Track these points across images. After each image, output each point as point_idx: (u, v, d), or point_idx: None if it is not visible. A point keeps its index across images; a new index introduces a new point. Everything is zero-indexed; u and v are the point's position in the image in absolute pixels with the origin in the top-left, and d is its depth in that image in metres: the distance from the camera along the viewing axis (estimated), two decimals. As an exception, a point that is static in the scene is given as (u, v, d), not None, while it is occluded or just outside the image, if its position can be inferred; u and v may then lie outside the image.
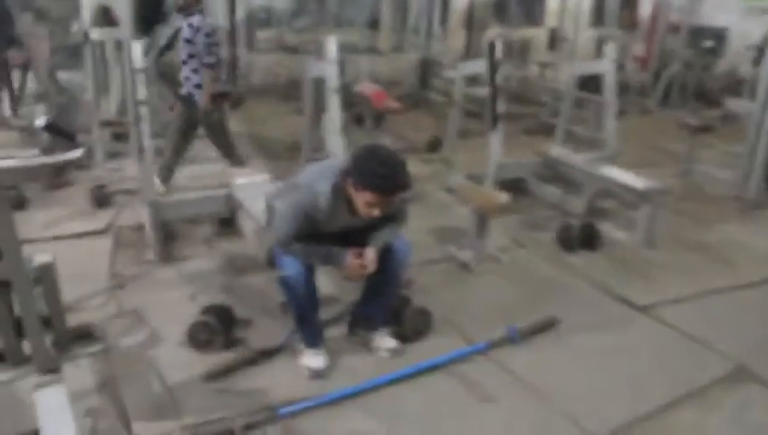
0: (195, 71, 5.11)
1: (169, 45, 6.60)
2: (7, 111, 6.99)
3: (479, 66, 5.45)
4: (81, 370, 2.84)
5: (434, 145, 6.95)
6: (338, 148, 4.44)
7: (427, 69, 10.01)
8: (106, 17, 6.40)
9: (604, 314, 3.73)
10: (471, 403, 2.90)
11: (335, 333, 3.32)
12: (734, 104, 7.15)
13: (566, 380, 3.08)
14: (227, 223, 4.55)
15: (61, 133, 2.45)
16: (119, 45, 6.02)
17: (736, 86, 9.72)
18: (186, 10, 5.15)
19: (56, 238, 4.32)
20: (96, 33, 5.89)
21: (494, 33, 10.00)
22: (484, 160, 5.17)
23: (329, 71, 4.63)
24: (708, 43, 10.64)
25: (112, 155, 5.89)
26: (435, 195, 5.67)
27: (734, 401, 3.00)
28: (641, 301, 3.82)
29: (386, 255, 2.94)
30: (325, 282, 3.44)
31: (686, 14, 10.25)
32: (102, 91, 6.39)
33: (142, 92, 4.14)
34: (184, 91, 5.19)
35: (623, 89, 10.06)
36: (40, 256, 2.48)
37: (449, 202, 5.40)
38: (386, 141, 7.38)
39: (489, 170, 5.15)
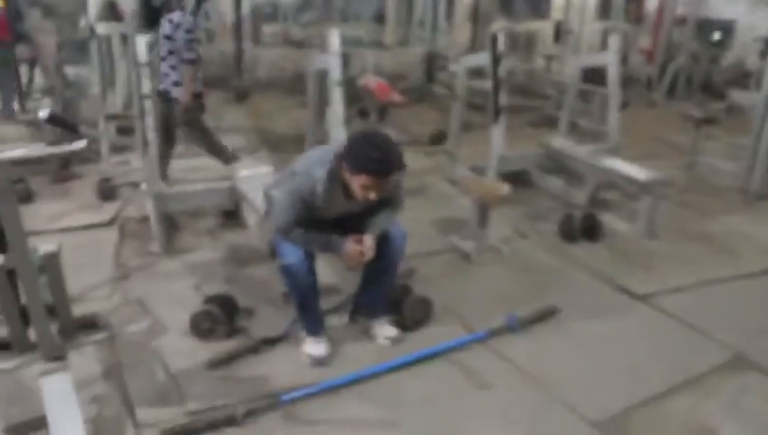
0: (173, 67, 5.07)
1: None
2: (15, 106, 7.08)
3: (482, 59, 5.46)
4: (86, 357, 2.90)
5: (438, 138, 6.96)
6: (342, 140, 4.46)
7: (432, 62, 10.02)
8: (112, 12, 6.45)
9: (604, 303, 3.75)
10: (470, 391, 2.93)
11: (336, 321, 3.36)
12: (738, 96, 7.14)
13: (565, 368, 3.11)
14: (231, 215, 4.59)
15: (63, 125, 2.49)
16: (124, 40, 6.06)
17: (743, 78, 9.69)
18: (167, 7, 5.18)
19: (62, 230, 4.37)
20: (102, 28, 5.94)
21: (499, 26, 9.99)
22: (488, 152, 5.20)
23: (332, 64, 4.66)
24: (715, 36, 10.60)
25: (118, 148, 5.94)
26: (438, 187, 5.70)
27: (732, 388, 3.02)
28: (641, 290, 3.84)
29: (382, 243, 2.98)
30: (326, 271, 3.48)
31: (693, 6, 10.20)
32: (109, 86, 6.44)
33: (147, 86, 4.19)
34: (161, 86, 5.13)
35: (629, 81, 10.06)
36: (45, 246, 2.53)
37: (452, 194, 5.43)
38: (390, 134, 7.42)
39: (491, 162, 5.17)
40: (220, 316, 3.19)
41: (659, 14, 10.56)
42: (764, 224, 5.06)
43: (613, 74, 5.50)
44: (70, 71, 6.79)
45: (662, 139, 7.56)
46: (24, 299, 2.48)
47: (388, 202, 3.00)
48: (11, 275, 2.46)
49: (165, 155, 5.19)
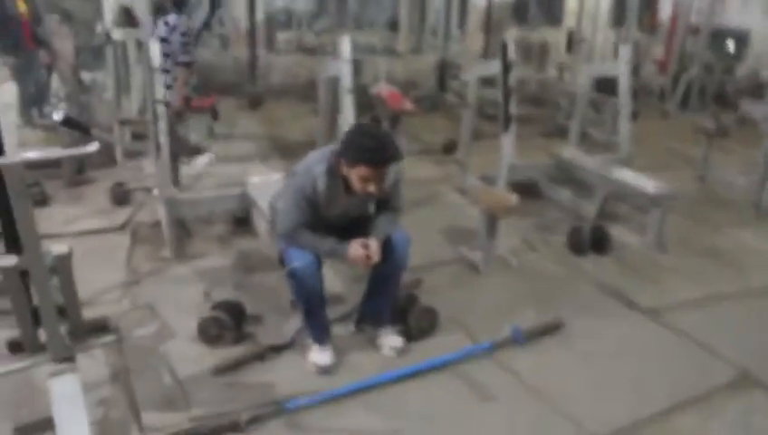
0: (167, 70, 5.17)
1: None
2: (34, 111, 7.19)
3: (493, 67, 5.48)
4: (94, 360, 2.94)
5: (449, 147, 6.98)
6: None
7: (444, 71, 10.05)
8: (128, 18, 6.53)
9: (610, 317, 3.75)
10: (474, 402, 2.94)
11: (342, 330, 3.38)
12: (749, 107, 7.09)
13: (569, 381, 3.11)
14: (243, 222, 4.64)
15: (77, 127, 2.55)
16: (139, 45, 6.14)
17: (758, 89, 9.62)
18: (162, 11, 5.26)
19: (76, 234, 4.43)
20: (117, 34, 6.02)
21: (512, 35, 10.00)
22: (498, 162, 5.21)
23: (343, 70, 4.70)
24: (729, 46, 10.54)
25: (132, 153, 6.01)
26: (448, 196, 5.72)
27: (738, 406, 3.01)
28: (648, 304, 3.84)
29: (386, 249, 3.00)
30: (333, 281, 3.51)
31: (707, 16, 10.15)
32: (124, 91, 6.53)
33: (160, 92, 4.24)
34: None
35: (642, 92, 10.03)
36: (57, 247, 2.57)
37: (462, 203, 5.44)
38: (401, 142, 7.46)
39: (501, 172, 5.18)
40: (228, 322, 3.23)
41: (673, 23, 10.51)
42: (775, 239, 5.04)
43: (624, 84, 5.49)
44: (86, 76, 6.88)
45: (674, 150, 7.53)
46: (35, 300, 2.52)
47: (388, 204, 3.08)
48: (24, 276, 2.51)
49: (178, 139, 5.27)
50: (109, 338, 2.91)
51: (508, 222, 4.54)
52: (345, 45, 4.72)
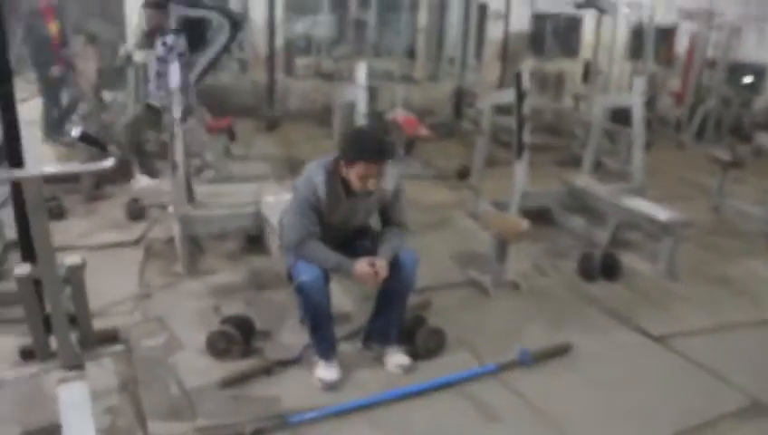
0: (161, 89, 5.36)
1: (208, 69, 6.90)
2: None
3: (507, 96, 5.54)
4: (103, 369, 2.98)
5: (463, 173, 7.02)
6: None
7: (460, 99, 10.14)
8: (149, 41, 6.69)
9: (619, 343, 3.73)
10: (479, 423, 2.93)
11: (349, 347, 3.40)
12: (764, 139, 7.09)
13: (575, 405, 3.09)
14: (255, 240, 4.69)
15: (93, 143, 2.63)
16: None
17: (775, 123, 9.62)
18: (151, 37, 5.43)
19: (91, 247, 4.50)
20: (138, 56, 6.18)
21: (528, 65, 10.09)
22: (511, 189, 5.24)
23: (359, 96, 4.78)
24: (747, 79, 10.56)
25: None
26: (461, 221, 5.74)
27: (747, 434, 2.97)
28: (658, 331, 3.81)
29: (394, 268, 3.04)
30: (341, 300, 3.54)
31: (724, 50, 10.19)
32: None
33: (177, 112, 4.34)
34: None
35: (658, 123, 10.04)
36: (70, 258, 2.63)
37: (474, 228, 5.45)
38: (416, 168, 7.52)
39: (514, 198, 5.20)
40: (236, 337, 3.26)
41: (689, 56, 10.56)
42: (789, 270, 4.99)
43: (638, 115, 5.52)
44: (107, 95, 7.05)
45: (689, 181, 7.51)
46: (47, 309, 2.58)
47: (392, 218, 3.18)
48: (37, 285, 2.57)
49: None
50: (118, 348, 2.97)
51: (519, 247, 4.56)
52: (361, 72, 4.81)
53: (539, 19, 12.66)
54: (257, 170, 6.79)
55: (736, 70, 10.64)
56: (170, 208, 4.69)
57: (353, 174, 2.95)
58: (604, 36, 9.91)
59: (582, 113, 9.54)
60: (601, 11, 9.15)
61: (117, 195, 5.63)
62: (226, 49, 7.60)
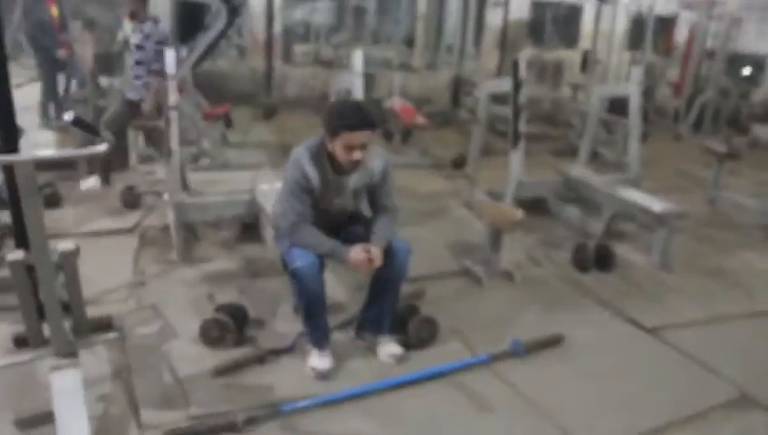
0: (138, 77, 5.39)
1: (205, 55, 6.86)
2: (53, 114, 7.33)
3: (504, 85, 5.53)
4: (96, 357, 2.99)
5: (459, 162, 7.01)
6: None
7: (458, 87, 10.11)
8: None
9: (611, 334, 3.74)
10: (469, 413, 2.95)
11: (342, 337, 3.41)
12: (760, 130, 7.09)
13: (566, 395, 3.10)
14: (250, 228, 4.69)
15: (86, 128, 2.62)
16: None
17: (773, 114, 9.61)
18: (136, 17, 5.40)
19: (86, 234, 4.50)
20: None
21: (526, 53, 10.06)
22: (507, 178, 5.23)
23: (355, 83, 4.76)
24: (745, 71, 10.54)
25: (145, 158, 6.10)
26: (456, 210, 5.74)
27: (736, 426, 2.99)
28: (650, 323, 3.82)
29: (386, 256, 3.04)
30: (335, 289, 3.54)
31: (723, 40, 10.16)
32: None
33: (173, 98, 4.32)
34: (128, 95, 5.55)
35: (656, 114, 10.03)
36: (63, 244, 2.63)
37: (469, 218, 5.46)
38: (412, 156, 7.51)
39: (509, 188, 5.20)
40: (229, 325, 3.27)
41: (688, 47, 10.53)
42: (783, 262, 5.01)
43: (634, 105, 5.51)
44: (104, 81, 7.02)
45: (685, 172, 7.52)
46: (41, 295, 2.58)
47: (381, 202, 3.20)
48: (30, 271, 2.57)
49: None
50: (111, 335, 2.98)
51: (514, 237, 4.56)
52: (357, 59, 4.79)
53: (538, 7, 12.61)
54: (254, 158, 6.79)
55: (735, 61, 10.61)
56: (165, 196, 4.70)
57: (338, 146, 2.95)
58: (604, 26, 9.89)
59: (580, 103, 9.53)
60: (601, 0, 9.12)
61: (113, 182, 5.61)
62: (224, 35, 7.57)
